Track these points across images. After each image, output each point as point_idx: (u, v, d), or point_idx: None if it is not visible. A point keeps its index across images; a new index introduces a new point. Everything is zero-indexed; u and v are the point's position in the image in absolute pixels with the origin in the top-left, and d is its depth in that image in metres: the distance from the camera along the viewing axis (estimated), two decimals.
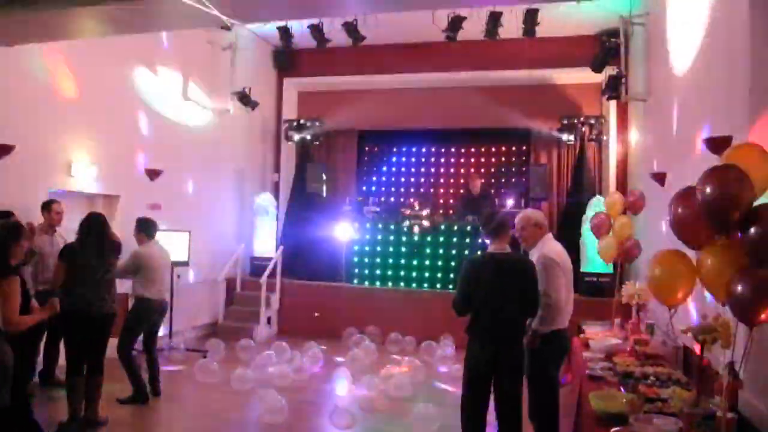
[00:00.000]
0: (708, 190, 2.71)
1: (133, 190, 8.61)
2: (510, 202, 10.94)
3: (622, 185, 10.17)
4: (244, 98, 10.58)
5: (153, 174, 8.95)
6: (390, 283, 10.70)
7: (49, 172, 7.38)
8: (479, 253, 5.05)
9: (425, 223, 10.69)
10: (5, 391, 3.87)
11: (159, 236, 6.86)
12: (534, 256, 4.79)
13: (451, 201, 12.33)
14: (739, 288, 2.59)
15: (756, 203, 2.67)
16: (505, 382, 4.39)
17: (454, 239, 10.49)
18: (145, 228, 6.65)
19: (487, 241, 4.64)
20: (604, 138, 10.83)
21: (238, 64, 10.72)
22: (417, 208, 10.96)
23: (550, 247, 4.84)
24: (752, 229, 2.60)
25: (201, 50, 10.20)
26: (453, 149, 12.59)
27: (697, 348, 3.30)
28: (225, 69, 10.61)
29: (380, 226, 10.87)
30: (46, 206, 6.66)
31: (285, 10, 5.84)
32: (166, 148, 9.31)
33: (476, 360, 4.44)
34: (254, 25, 10.50)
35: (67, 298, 5.39)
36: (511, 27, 8.95)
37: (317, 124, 12.22)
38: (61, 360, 6.29)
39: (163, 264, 6.75)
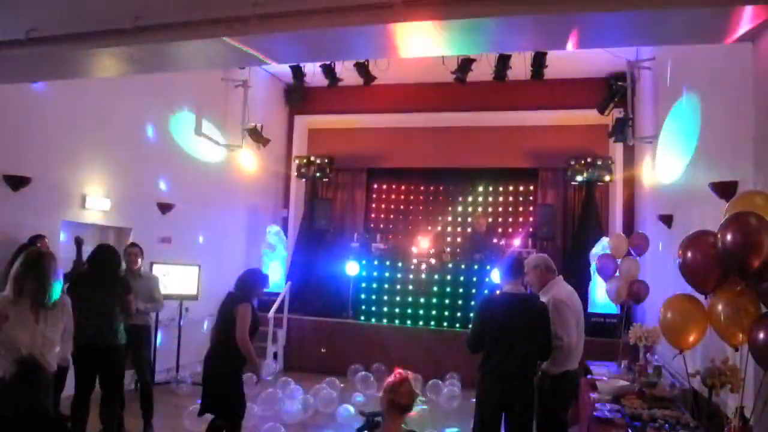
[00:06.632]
0: (729, 236, 2.68)
1: (145, 224, 8.69)
2: (517, 241, 10.97)
3: (628, 226, 10.18)
4: (256, 135, 10.72)
5: (165, 208, 9.06)
6: (396, 321, 10.66)
7: (64, 204, 7.49)
8: (496, 291, 5.10)
9: (432, 261, 10.71)
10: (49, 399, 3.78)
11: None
12: (543, 299, 4.80)
13: (459, 239, 12.37)
14: (761, 335, 2.57)
15: None
16: (516, 419, 4.41)
17: (461, 278, 10.47)
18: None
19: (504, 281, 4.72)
20: (611, 179, 10.90)
21: (251, 101, 10.88)
22: (424, 246, 10.99)
23: (560, 289, 4.86)
24: None
25: (214, 87, 10.39)
26: (460, 188, 12.67)
27: (705, 391, 3.31)
28: (238, 106, 10.77)
29: (387, 263, 10.89)
30: (32, 242, 6.25)
31: (298, 53, 5.94)
32: (178, 183, 9.43)
33: (487, 397, 4.47)
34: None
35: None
36: (520, 69, 9.12)
37: (327, 161, 12.37)
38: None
39: None
